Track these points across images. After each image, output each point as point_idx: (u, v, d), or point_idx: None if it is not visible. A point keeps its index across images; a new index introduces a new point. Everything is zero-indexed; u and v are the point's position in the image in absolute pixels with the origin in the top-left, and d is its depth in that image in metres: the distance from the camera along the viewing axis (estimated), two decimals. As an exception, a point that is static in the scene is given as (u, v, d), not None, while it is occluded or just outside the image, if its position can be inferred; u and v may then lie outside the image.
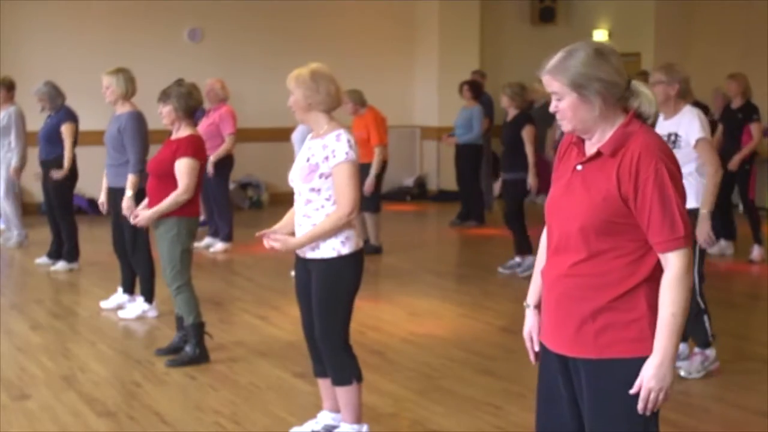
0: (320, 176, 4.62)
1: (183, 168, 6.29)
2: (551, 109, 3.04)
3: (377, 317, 7.85)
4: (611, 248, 2.97)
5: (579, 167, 3.03)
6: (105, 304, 8.07)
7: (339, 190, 4.60)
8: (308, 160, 4.68)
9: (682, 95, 6.07)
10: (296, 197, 4.76)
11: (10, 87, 10.81)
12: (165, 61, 13.28)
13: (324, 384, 5.00)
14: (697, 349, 6.16)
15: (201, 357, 6.43)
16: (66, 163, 9.56)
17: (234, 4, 14.66)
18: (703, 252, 6.08)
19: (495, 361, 6.49)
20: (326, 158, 4.62)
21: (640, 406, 2.94)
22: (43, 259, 9.98)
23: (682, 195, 2.93)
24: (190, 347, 6.43)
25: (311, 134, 4.83)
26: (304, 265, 4.77)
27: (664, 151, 2.95)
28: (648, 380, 2.92)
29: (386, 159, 10.77)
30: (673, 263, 2.91)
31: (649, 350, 2.94)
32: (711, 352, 6.15)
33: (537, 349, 3.29)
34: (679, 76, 6.02)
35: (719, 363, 6.17)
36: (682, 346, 6.32)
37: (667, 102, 6.05)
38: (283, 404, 5.61)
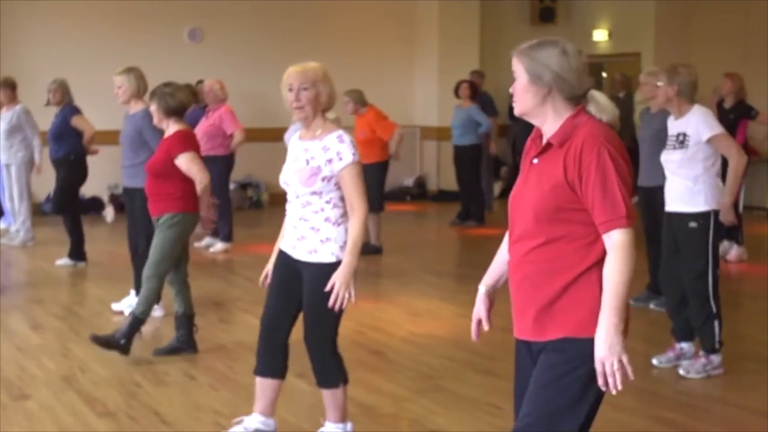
0: (323, 179, 4.52)
1: (184, 162, 6.40)
2: (511, 89, 3.21)
3: (377, 317, 7.85)
4: (564, 234, 3.08)
5: (535, 161, 3.17)
6: (117, 307, 7.97)
7: (353, 191, 4.54)
8: (308, 163, 4.56)
9: (688, 97, 6.10)
10: (291, 200, 4.65)
11: (14, 87, 10.92)
12: (165, 61, 13.28)
13: (263, 383, 4.87)
14: (702, 353, 6.14)
15: (187, 345, 6.52)
16: (88, 139, 9.75)
17: (234, 4, 14.66)
18: (717, 254, 6.09)
19: (495, 361, 6.48)
20: (329, 161, 4.52)
21: (600, 381, 2.99)
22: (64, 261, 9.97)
23: (624, 178, 3.03)
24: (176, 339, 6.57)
25: (300, 134, 4.71)
26: (289, 263, 4.68)
27: (609, 138, 3.07)
28: (598, 352, 2.99)
29: (387, 158, 10.76)
30: (615, 240, 3.01)
31: (593, 331, 3.01)
32: (716, 358, 6.12)
33: (484, 329, 3.48)
34: (680, 78, 6.06)
35: (722, 370, 6.14)
36: (687, 345, 6.30)
37: (669, 103, 6.13)
38: (283, 404, 5.59)
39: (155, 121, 6.58)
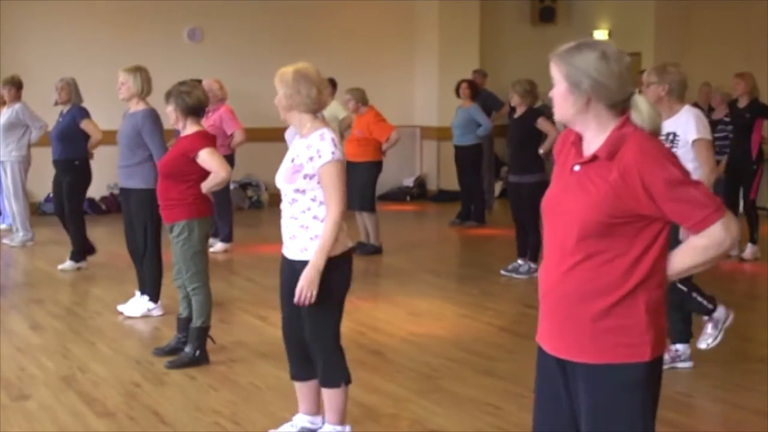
0: (305, 177, 4.56)
1: (206, 156, 6.30)
2: (550, 93, 3.10)
3: (377, 317, 7.85)
4: (607, 250, 2.98)
5: (576, 168, 3.05)
6: (123, 308, 7.90)
7: (329, 190, 4.55)
8: (293, 161, 4.62)
9: (677, 96, 6.07)
10: (282, 198, 4.70)
11: (19, 86, 10.98)
12: (165, 60, 13.26)
13: (300, 387, 4.95)
14: (704, 318, 6.17)
15: (200, 359, 6.42)
16: (93, 144, 9.71)
17: (234, 4, 14.66)
18: None
19: (495, 361, 6.48)
20: (311, 158, 4.56)
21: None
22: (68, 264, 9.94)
23: (689, 175, 2.97)
24: (191, 348, 6.42)
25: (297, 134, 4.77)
26: (290, 266, 4.70)
27: (660, 148, 2.99)
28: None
29: (381, 158, 10.74)
30: (710, 232, 2.96)
31: (647, 355, 2.98)
32: (720, 313, 6.16)
33: None
34: (670, 77, 6.05)
35: (732, 317, 6.19)
36: (683, 347, 6.30)
37: (659, 102, 6.09)
38: (283, 404, 5.60)
39: (171, 121, 6.42)
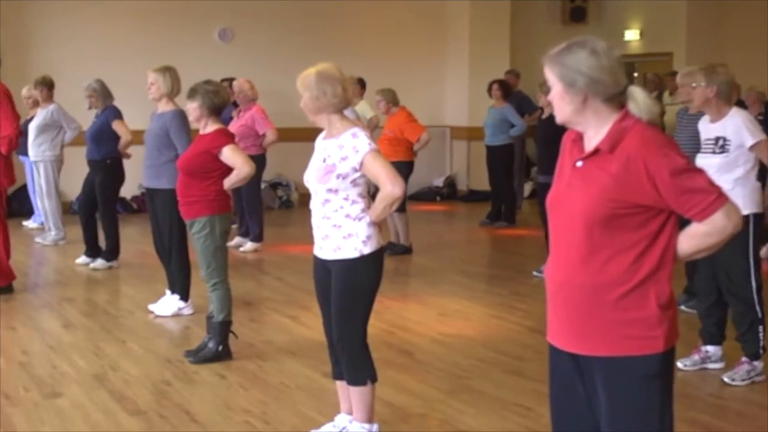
0: (337, 177, 4.55)
1: (229, 153, 6.38)
2: (548, 97, 3.14)
3: (406, 317, 7.84)
4: (613, 243, 2.99)
5: (579, 164, 3.07)
6: (154, 307, 7.91)
7: (379, 174, 4.55)
8: (324, 161, 4.61)
9: (725, 98, 5.94)
10: (313, 197, 4.70)
11: (51, 86, 11.08)
12: (195, 60, 13.32)
13: (342, 386, 4.95)
14: (744, 358, 6.06)
15: (223, 354, 6.46)
16: (124, 145, 9.69)
17: (264, 4, 14.71)
18: (757, 258, 5.98)
19: (524, 361, 6.46)
20: (344, 158, 4.55)
21: None
22: (82, 259, 10.03)
23: (691, 162, 2.99)
24: (213, 343, 6.46)
25: (323, 134, 4.76)
26: (323, 266, 4.72)
27: (661, 137, 3.00)
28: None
29: (412, 158, 10.74)
30: (713, 219, 2.97)
31: (659, 347, 3.00)
32: (759, 364, 6.03)
33: None
34: (719, 78, 5.87)
35: (765, 377, 6.05)
36: (714, 349, 6.24)
37: (707, 105, 5.94)
38: (313, 404, 5.62)
39: (192, 118, 6.50)
